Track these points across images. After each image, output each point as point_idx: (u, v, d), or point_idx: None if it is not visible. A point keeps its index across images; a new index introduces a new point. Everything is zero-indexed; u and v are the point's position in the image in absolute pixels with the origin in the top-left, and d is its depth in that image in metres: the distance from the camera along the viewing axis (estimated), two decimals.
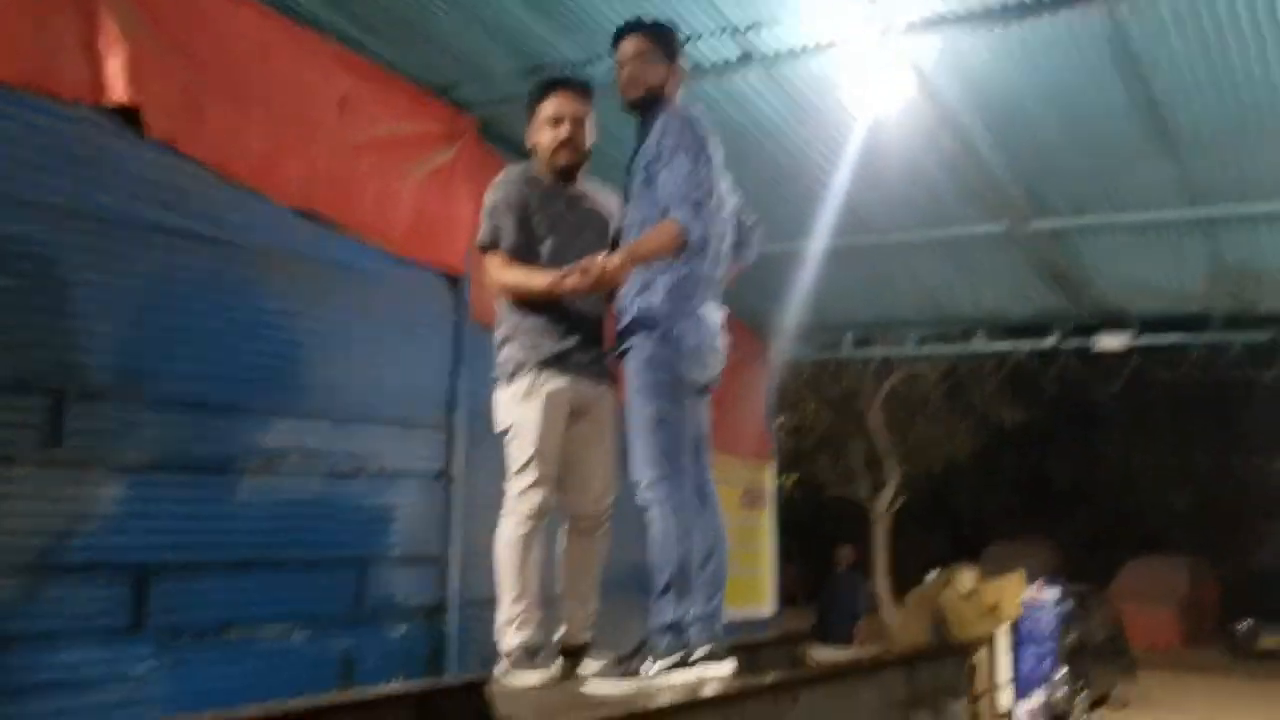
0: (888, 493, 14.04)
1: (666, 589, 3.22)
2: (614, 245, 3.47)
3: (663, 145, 3.30)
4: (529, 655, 3.26)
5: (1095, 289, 7.37)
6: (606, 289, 3.33)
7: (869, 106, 5.08)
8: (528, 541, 3.30)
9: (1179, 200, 5.91)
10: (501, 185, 3.50)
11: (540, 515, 3.32)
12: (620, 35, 3.52)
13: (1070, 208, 6.22)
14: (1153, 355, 8.16)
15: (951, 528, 23.73)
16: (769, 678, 3.58)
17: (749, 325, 8.48)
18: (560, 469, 3.43)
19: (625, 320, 3.36)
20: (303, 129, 4.84)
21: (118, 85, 4.04)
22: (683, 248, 3.27)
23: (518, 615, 3.29)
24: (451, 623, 5.29)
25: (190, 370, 4.40)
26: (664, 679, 3.13)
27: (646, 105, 3.46)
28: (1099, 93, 4.94)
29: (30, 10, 3.81)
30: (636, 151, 3.47)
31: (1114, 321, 7.84)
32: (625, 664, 3.16)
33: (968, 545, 20.90)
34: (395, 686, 3.60)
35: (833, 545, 10.72)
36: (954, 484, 22.14)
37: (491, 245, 3.47)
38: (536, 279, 3.36)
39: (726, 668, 3.31)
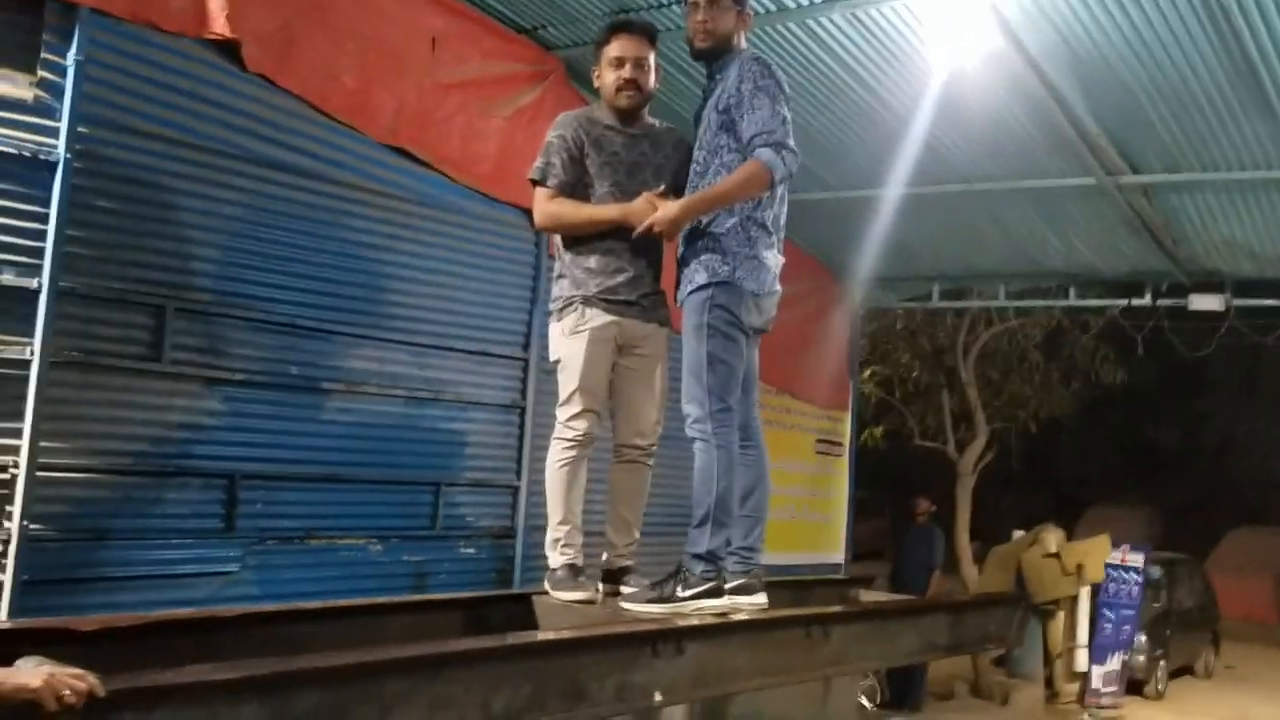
0: (974, 449, 13.85)
1: (705, 520, 3.36)
2: (676, 188, 3.58)
3: (742, 90, 3.36)
4: (572, 574, 3.45)
5: (1190, 248, 7.15)
6: (674, 231, 3.40)
7: (954, 53, 5.03)
8: (573, 467, 3.49)
9: (1276, 161, 5.71)
10: (560, 123, 3.62)
11: (584, 444, 3.50)
12: None
13: (1162, 164, 6.04)
14: (1248, 318, 7.88)
15: (1052, 488, 23.28)
16: (799, 611, 3.71)
17: (832, 272, 8.48)
18: (610, 401, 3.60)
19: (687, 260, 3.46)
20: (394, 66, 5.03)
21: (219, 18, 4.28)
22: (769, 186, 3.36)
23: (562, 536, 3.49)
24: (519, 545, 5.56)
25: (281, 294, 4.69)
26: (694, 605, 3.29)
27: (716, 53, 3.54)
28: (1191, 47, 4.79)
29: None
30: (707, 96, 3.55)
31: (1209, 283, 7.61)
32: (659, 588, 3.33)
33: (1068, 507, 20.54)
34: (452, 595, 3.85)
35: (913, 496, 10.69)
36: (1055, 444, 21.68)
37: (540, 180, 3.58)
38: (581, 211, 3.51)
39: (760, 600, 3.44)
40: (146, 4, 4.08)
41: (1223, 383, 21.45)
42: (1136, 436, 23.34)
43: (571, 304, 3.50)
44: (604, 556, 3.69)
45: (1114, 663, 10.89)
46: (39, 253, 3.82)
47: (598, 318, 3.49)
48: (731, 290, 3.39)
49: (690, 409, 3.40)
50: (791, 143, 3.37)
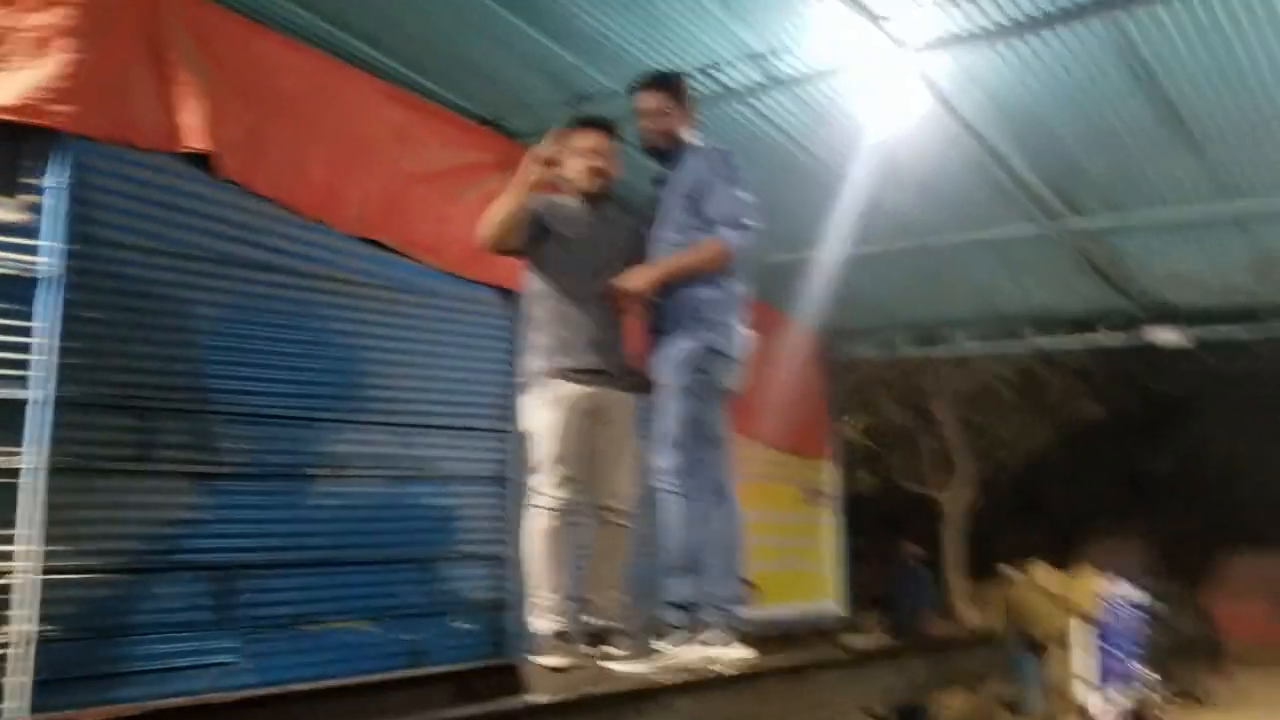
0: (959, 489, 14.04)
1: (676, 568, 3.54)
2: (634, 259, 3.86)
3: (707, 175, 3.75)
4: (558, 640, 3.59)
5: (1140, 284, 7.42)
6: (643, 296, 3.71)
7: (891, 120, 5.29)
8: (552, 535, 3.65)
9: (1209, 195, 5.97)
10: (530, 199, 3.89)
11: (562, 512, 3.67)
12: (634, 88, 3.94)
13: (1102, 207, 6.32)
14: (1214, 350, 8.12)
15: (1043, 524, 23.33)
16: (781, 659, 3.85)
17: (805, 327, 8.70)
18: (588, 466, 3.79)
19: (669, 327, 3.72)
20: (360, 161, 5.25)
21: (191, 132, 4.49)
22: (727, 263, 3.74)
23: (544, 603, 3.64)
24: (512, 616, 5.66)
25: (263, 386, 4.84)
26: (674, 653, 3.44)
27: (662, 153, 3.91)
28: (1114, 96, 5.08)
29: (114, 69, 4.26)
30: (665, 180, 3.83)
31: (1165, 316, 7.86)
32: (637, 645, 3.48)
33: (1061, 542, 20.55)
34: (441, 668, 3.98)
35: (902, 542, 10.83)
36: (1042, 480, 21.79)
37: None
38: (503, 196, 3.75)
39: (741, 652, 3.59)
40: (123, 125, 4.29)
41: (1211, 408, 21.63)
42: (1128, 465, 23.45)
43: (544, 378, 3.70)
44: (585, 618, 3.82)
45: (1116, 694, 10.93)
46: (26, 365, 3.99)
47: (571, 388, 3.69)
48: (712, 356, 3.68)
49: (660, 462, 3.62)
50: (748, 221, 3.73)
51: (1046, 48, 4.74)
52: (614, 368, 3.83)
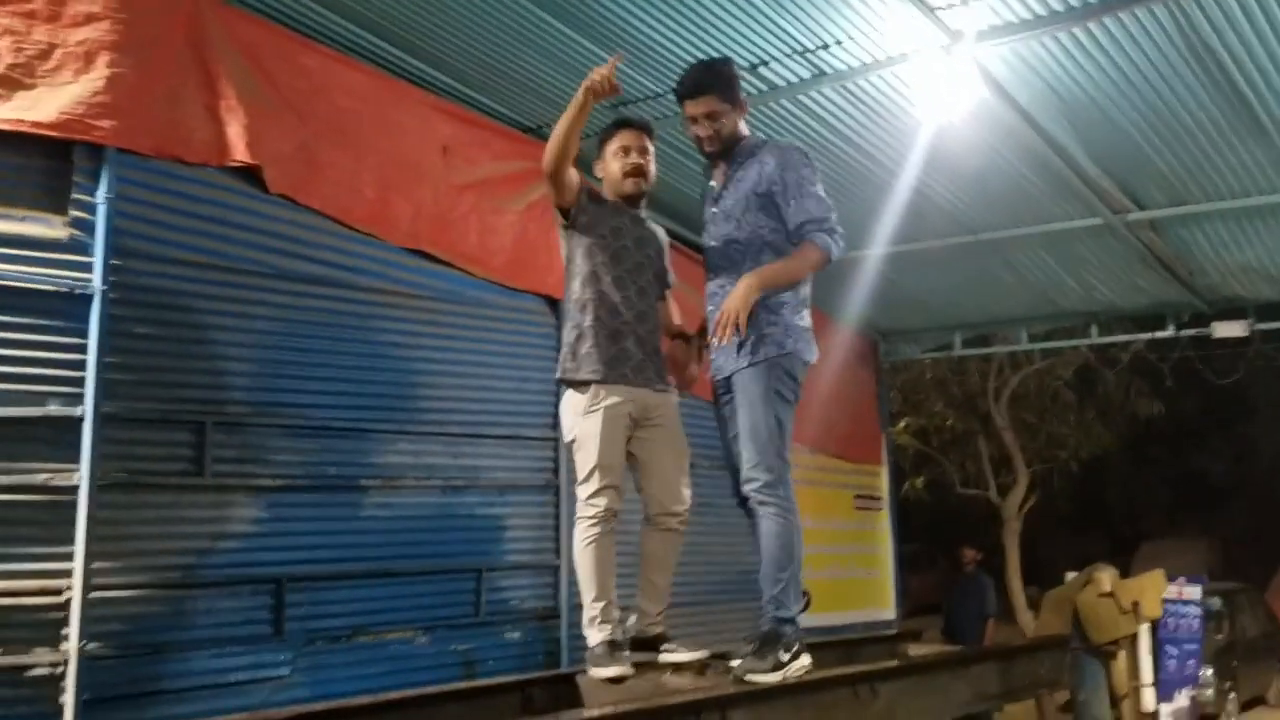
0: (1017, 492, 13.77)
1: (790, 584, 3.48)
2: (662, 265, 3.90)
3: (786, 178, 3.59)
4: (611, 650, 3.52)
5: (1206, 277, 7.20)
6: (746, 305, 3.44)
7: (945, 112, 5.17)
8: (600, 544, 3.59)
9: (1277, 184, 5.78)
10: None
11: (607, 519, 3.61)
12: (684, 96, 3.72)
13: (1167, 198, 6.13)
14: (1273, 341, 7.88)
15: (1103, 526, 22.91)
16: (843, 670, 3.74)
17: (854, 330, 8.58)
18: (637, 473, 3.73)
19: (750, 334, 3.54)
20: (409, 175, 5.25)
21: (239, 146, 4.51)
22: (824, 266, 3.60)
23: (598, 614, 3.57)
24: (564, 625, 5.61)
25: (315, 399, 4.85)
26: (793, 668, 3.39)
27: (722, 155, 3.74)
28: (1177, 83, 4.93)
29: (160, 85, 4.29)
30: (729, 181, 3.72)
31: (1230, 309, 7.63)
32: (766, 657, 3.38)
33: (1121, 544, 20.17)
34: (499, 679, 3.92)
35: (959, 547, 10.62)
36: (1102, 481, 21.39)
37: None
38: (561, 120, 3.56)
39: (806, 661, 3.50)
40: (170, 139, 4.31)
41: (1267, 406, 21.13)
42: (1185, 467, 22.97)
43: (584, 383, 3.63)
44: (633, 624, 3.76)
45: (1182, 699, 10.61)
46: (80, 382, 4.00)
47: (612, 395, 3.62)
48: (793, 360, 3.59)
49: (759, 474, 3.50)
50: (840, 227, 3.60)
51: (1106, 34, 4.61)
52: (656, 369, 3.76)
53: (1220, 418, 20.80)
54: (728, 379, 3.65)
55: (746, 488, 3.54)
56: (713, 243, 3.77)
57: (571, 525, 3.55)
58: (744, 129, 3.78)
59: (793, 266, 3.56)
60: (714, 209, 3.76)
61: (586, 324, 3.70)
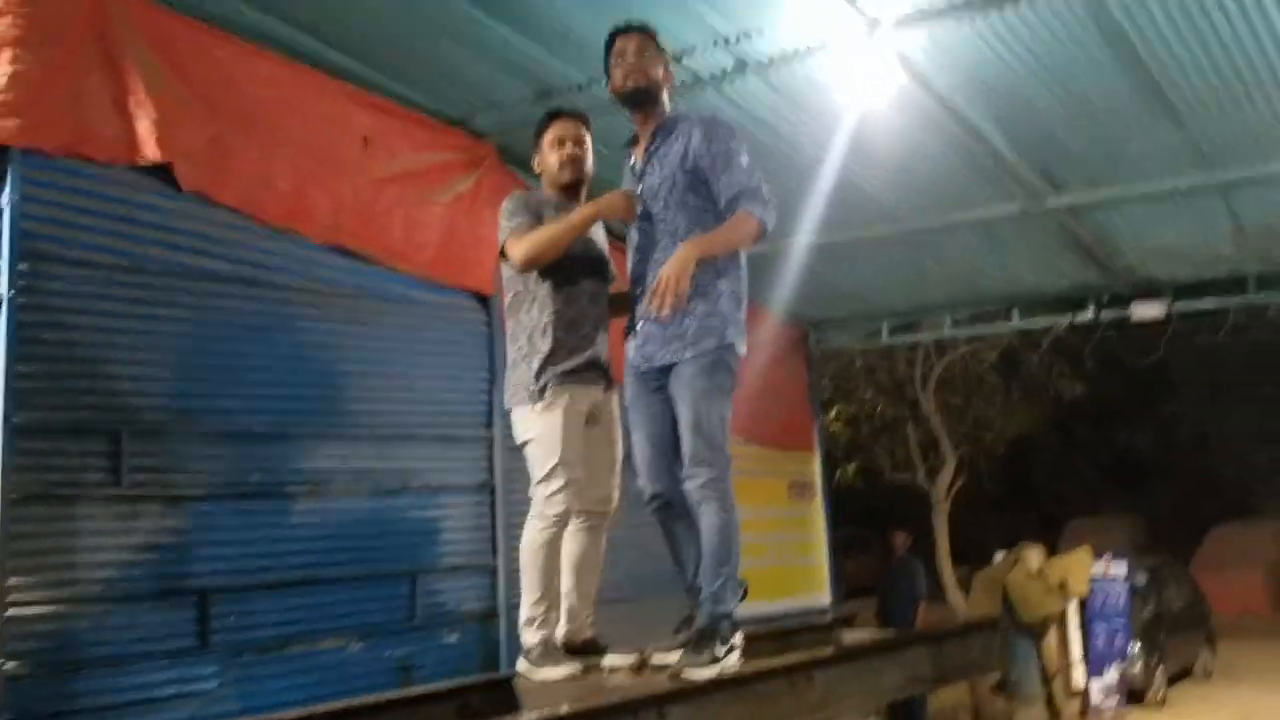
0: (945, 476, 14.02)
1: (730, 578, 3.44)
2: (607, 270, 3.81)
3: (714, 149, 3.49)
4: (549, 651, 3.47)
5: (1125, 259, 7.36)
6: (685, 276, 3.34)
7: (867, 101, 5.19)
8: (552, 545, 3.53)
9: (1190, 166, 5.92)
10: (514, 198, 3.77)
11: (564, 519, 3.55)
12: (616, 34, 3.68)
13: (1084, 182, 6.25)
14: (1196, 320, 8.10)
15: (1031, 506, 23.43)
16: (778, 660, 3.74)
17: (783, 319, 8.62)
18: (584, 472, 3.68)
19: (685, 323, 3.48)
20: (328, 168, 5.12)
21: (149, 143, 4.35)
22: (760, 237, 3.49)
23: (539, 614, 3.52)
24: (502, 627, 5.55)
25: (237, 403, 4.71)
26: (730, 661, 3.37)
27: (645, 99, 3.63)
28: (1092, 68, 5.00)
29: (65, 80, 4.12)
30: (652, 157, 3.62)
31: (1148, 290, 7.82)
32: (704, 651, 3.33)
33: (1049, 523, 20.65)
34: (434, 685, 3.85)
35: (889, 531, 10.75)
36: (1028, 462, 21.87)
37: (511, 234, 3.63)
38: (558, 225, 3.56)
39: (735, 655, 3.49)
40: (77, 138, 4.15)
41: (1187, 383, 21.78)
42: (1109, 446, 23.59)
43: (540, 387, 3.55)
44: (564, 627, 3.70)
45: (1111, 674, 10.92)
46: None
47: (568, 392, 3.56)
48: (732, 353, 3.52)
49: (701, 470, 3.44)
50: (772, 199, 3.50)
51: (1022, 20, 4.65)
52: (602, 369, 3.72)
53: (1142, 397, 21.39)
54: (661, 369, 3.55)
55: (689, 484, 3.47)
56: (638, 221, 3.64)
57: (508, 525, 3.51)
58: (668, 99, 3.72)
59: (730, 235, 3.45)
60: (638, 186, 3.65)
61: (539, 324, 3.61)
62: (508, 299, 3.78)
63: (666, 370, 3.53)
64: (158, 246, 4.49)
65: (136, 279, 4.42)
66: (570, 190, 3.81)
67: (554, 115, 3.91)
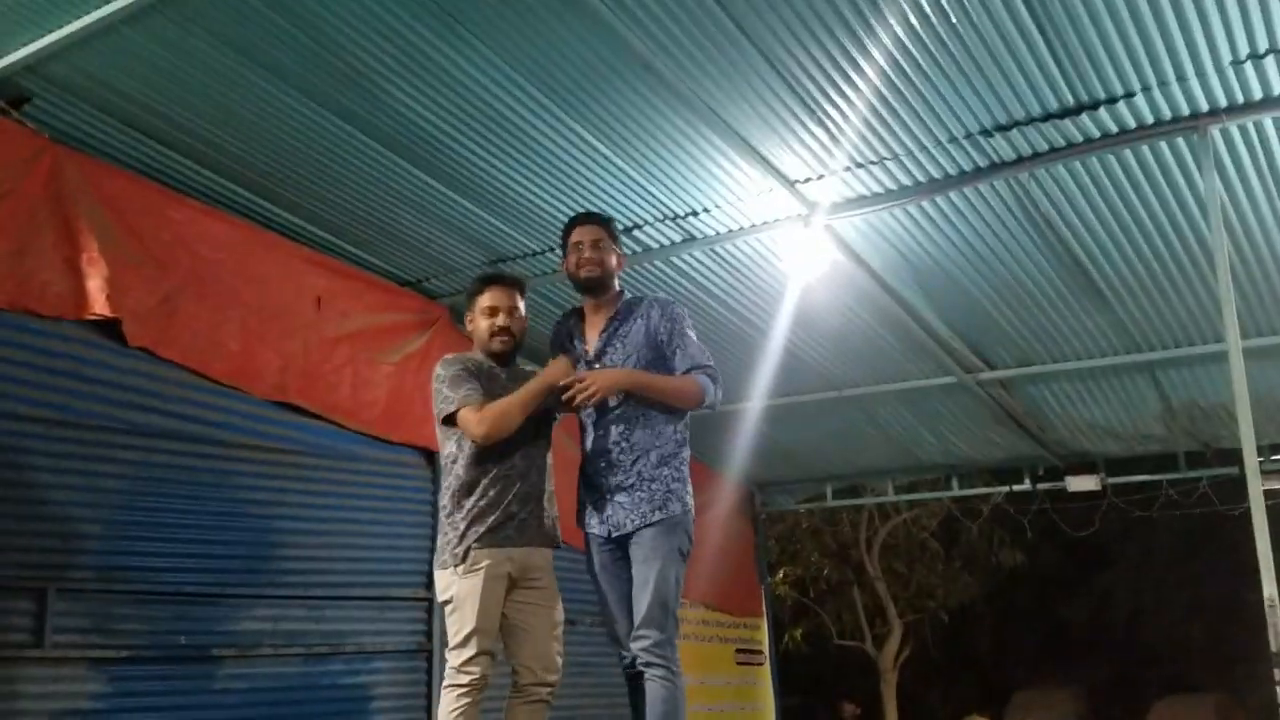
0: (892, 644, 13.89)
1: None
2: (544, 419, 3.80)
3: (672, 328, 3.66)
4: None
5: (1057, 433, 7.58)
6: (608, 392, 3.52)
7: (806, 275, 5.41)
8: (468, 715, 3.42)
9: (1118, 346, 6.19)
10: (453, 361, 3.76)
11: (479, 688, 3.45)
12: (576, 223, 3.84)
13: (1014, 359, 6.49)
14: (1126, 494, 8.29)
15: (975, 675, 23.11)
16: None
17: (729, 481, 8.67)
18: (509, 637, 3.60)
19: (652, 486, 3.55)
20: (278, 327, 5.16)
21: (99, 299, 4.38)
22: (698, 405, 3.62)
23: None
24: None
25: (167, 561, 4.60)
26: None
27: (599, 286, 3.77)
28: (1020, 252, 5.28)
29: (14, 237, 4.17)
30: (610, 338, 3.72)
31: (1081, 463, 8.01)
32: None
33: (992, 693, 20.31)
34: None
35: (838, 701, 10.57)
36: (971, 630, 21.69)
37: (463, 405, 3.61)
38: (516, 397, 3.59)
39: None
40: (23, 292, 4.16)
41: (1123, 556, 21.93)
42: (1049, 616, 23.49)
43: (461, 550, 3.52)
44: None
45: None
46: None
47: (490, 555, 3.52)
48: (691, 519, 3.60)
49: (652, 633, 3.42)
50: (715, 373, 3.65)
51: (952, 206, 4.94)
52: (534, 529, 3.67)
53: (1079, 568, 21.47)
54: (623, 535, 3.56)
55: (636, 645, 3.44)
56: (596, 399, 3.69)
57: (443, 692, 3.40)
58: (618, 285, 3.86)
59: (671, 385, 3.59)
60: (595, 364, 3.72)
61: (465, 485, 3.61)
62: (441, 457, 3.78)
63: (629, 536, 3.57)
64: (99, 401, 4.45)
65: (74, 434, 4.36)
66: (501, 358, 3.84)
67: (488, 281, 3.90)
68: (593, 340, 3.77)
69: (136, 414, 4.59)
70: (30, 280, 4.22)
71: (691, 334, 3.70)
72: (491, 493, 3.58)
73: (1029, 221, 5.03)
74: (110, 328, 4.46)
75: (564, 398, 3.57)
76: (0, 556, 4.06)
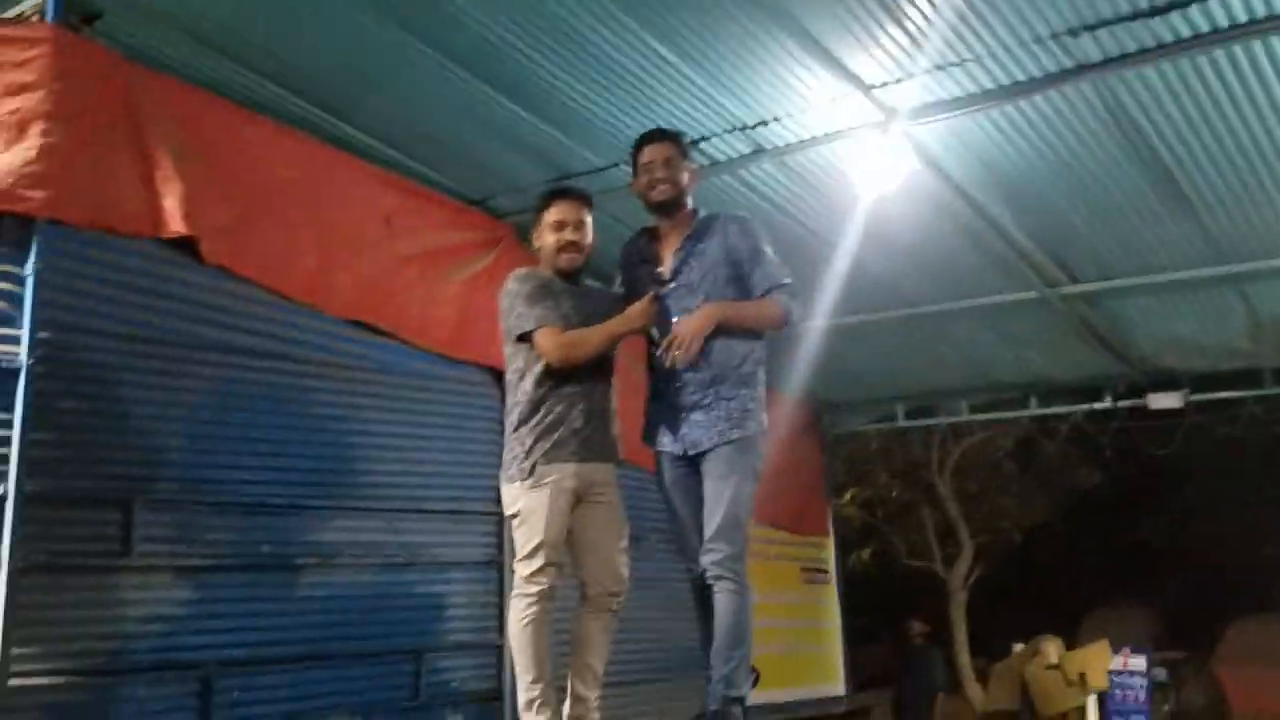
0: (962, 564, 13.81)
1: (744, 663, 3.41)
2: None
3: (751, 245, 3.64)
4: None
5: (1140, 349, 7.36)
6: (699, 337, 3.51)
7: (881, 187, 5.26)
8: (538, 624, 3.49)
9: (1205, 259, 5.95)
10: (524, 276, 3.76)
11: (547, 597, 3.52)
12: (645, 141, 3.79)
13: (1099, 271, 6.28)
14: (1212, 412, 8.07)
15: (1048, 597, 23.00)
16: None
17: (797, 401, 8.61)
18: (576, 551, 3.65)
19: (730, 403, 3.55)
20: (351, 245, 5.19)
21: (175, 217, 4.41)
22: (781, 327, 3.66)
23: (536, 697, 3.46)
24: (506, 707, 5.45)
25: (249, 474, 4.70)
26: None
27: (673, 207, 3.73)
28: (1106, 159, 5.07)
29: (93, 156, 4.20)
30: (687, 256, 3.67)
31: (1164, 380, 7.79)
32: None
33: (1065, 614, 20.21)
34: None
35: (905, 619, 10.57)
36: (1045, 551, 21.51)
37: (540, 324, 3.62)
38: (595, 332, 3.61)
39: None
40: (102, 211, 4.20)
41: (1206, 474, 21.48)
42: (1125, 536, 23.19)
43: (528, 463, 3.55)
44: (569, 711, 3.63)
45: None
46: (3, 459, 3.83)
47: (555, 469, 3.55)
48: (765, 438, 3.64)
49: (724, 547, 3.46)
50: (797, 294, 3.67)
51: (1036, 112, 4.74)
52: (599, 443, 3.68)
53: (1158, 487, 21.09)
54: (698, 453, 3.57)
55: (706, 559, 3.48)
56: (672, 317, 3.63)
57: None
58: (689, 197, 3.78)
59: (755, 312, 3.60)
60: (671, 284, 3.68)
61: (532, 401, 3.62)
62: (508, 373, 3.79)
63: (703, 453, 3.57)
64: (177, 319, 4.52)
65: (155, 350, 4.44)
66: (568, 274, 3.81)
67: (555, 195, 3.87)
68: (667, 260, 3.72)
69: (215, 331, 4.66)
70: (108, 198, 4.25)
71: (769, 250, 3.66)
72: (557, 409, 3.59)
73: (1116, 127, 4.81)
74: (187, 246, 4.50)
75: (666, 365, 3.54)
76: (88, 470, 4.18)
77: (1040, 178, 5.24)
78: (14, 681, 3.75)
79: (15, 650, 3.76)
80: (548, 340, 3.59)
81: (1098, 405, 8.32)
